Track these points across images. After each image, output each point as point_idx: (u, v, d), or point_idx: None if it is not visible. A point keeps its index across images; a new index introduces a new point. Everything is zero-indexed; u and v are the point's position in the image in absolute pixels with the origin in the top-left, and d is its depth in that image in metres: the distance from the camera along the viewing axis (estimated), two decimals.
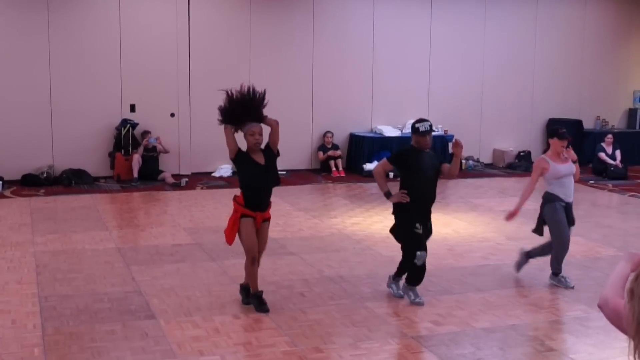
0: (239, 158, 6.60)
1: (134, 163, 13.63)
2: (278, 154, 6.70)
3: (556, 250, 7.58)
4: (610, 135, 15.61)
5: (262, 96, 6.59)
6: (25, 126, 13.52)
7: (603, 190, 13.63)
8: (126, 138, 13.90)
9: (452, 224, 10.44)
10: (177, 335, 6.07)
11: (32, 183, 13.14)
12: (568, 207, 7.55)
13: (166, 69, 14.31)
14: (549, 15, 16.96)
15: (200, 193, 12.98)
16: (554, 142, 7.59)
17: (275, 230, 9.16)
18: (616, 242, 9.54)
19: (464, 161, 15.39)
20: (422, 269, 6.98)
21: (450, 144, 7.41)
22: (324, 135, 15.24)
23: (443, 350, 5.93)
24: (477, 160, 16.27)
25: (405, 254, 7.00)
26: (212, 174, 14.51)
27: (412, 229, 6.86)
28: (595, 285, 7.48)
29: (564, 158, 7.54)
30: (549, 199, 7.52)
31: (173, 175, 13.92)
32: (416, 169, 6.91)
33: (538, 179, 7.56)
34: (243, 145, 6.66)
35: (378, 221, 10.74)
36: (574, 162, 7.66)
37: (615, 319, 2.67)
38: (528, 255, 7.89)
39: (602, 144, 15.45)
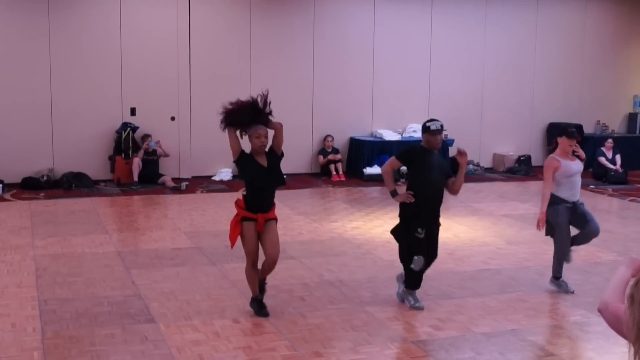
0: (241, 160, 6.57)
1: (134, 166, 13.64)
2: (282, 155, 6.67)
3: (556, 252, 7.57)
4: (610, 140, 15.61)
5: (266, 98, 6.57)
6: (26, 129, 13.52)
7: (603, 194, 13.63)
8: (126, 141, 13.90)
9: (452, 228, 10.44)
10: (176, 339, 6.07)
11: (32, 186, 13.14)
12: (575, 207, 7.45)
13: (167, 72, 14.32)
14: (549, 19, 16.97)
15: (201, 197, 12.98)
16: (562, 140, 7.48)
17: None
18: (616, 247, 9.53)
19: None
20: (420, 272, 6.94)
21: (455, 153, 7.33)
22: (324, 139, 15.24)
23: (443, 355, 5.93)
24: (477, 165, 16.27)
25: (403, 256, 6.98)
26: (212, 178, 14.51)
27: (413, 232, 6.81)
28: (595, 290, 7.47)
29: (572, 157, 7.49)
30: (552, 202, 7.45)
31: (173, 179, 13.91)
32: (424, 169, 6.87)
33: (552, 177, 7.42)
34: (246, 147, 6.62)
35: (378, 225, 10.74)
36: (582, 160, 7.63)
37: (615, 324, 2.67)
38: (557, 278, 7.71)
39: (602, 149, 15.45)
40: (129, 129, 13.93)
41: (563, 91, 17.28)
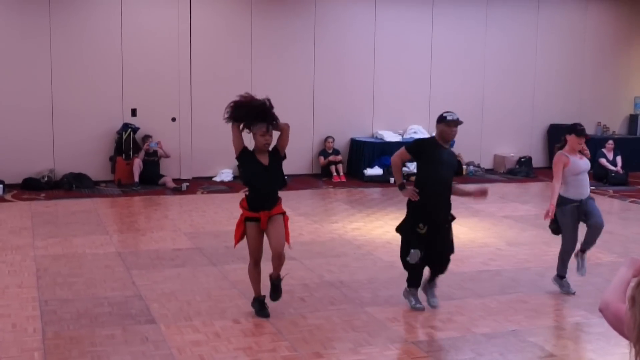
0: (243, 156, 6.54)
1: (135, 167, 13.64)
2: (285, 157, 6.63)
3: (562, 252, 7.54)
4: (611, 141, 15.61)
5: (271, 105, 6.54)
6: (26, 130, 13.53)
7: (604, 196, 13.63)
8: (127, 142, 13.90)
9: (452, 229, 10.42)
10: (177, 340, 6.07)
11: (33, 187, 13.14)
12: (583, 205, 7.39)
13: (167, 73, 14.33)
14: (550, 21, 16.98)
15: (201, 198, 12.98)
16: (571, 138, 7.42)
17: None
18: (617, 248, 9.53)
19: (464, 166, 15.38)
20: (419, 269, 6.89)
21: (477, 191, 7.21)
22: (325, 140, 15.25)
23: (443, 356, 5.93)
24: (478, 166, 16.27)
25: (401, 251, 6.95)
26: (213, 179, 14.51)
27: (414, 227, 6.77)
28: (595, 291, 7.47)
29: (580, 155, 7.47)
30: (560, 203, 7.40)
31: (174, 180, 13.92)
32: (432, 163, 6.77)
33: (562, 172, 7.35)
34: (249, 144, 6.58)
35: (379, 226, 10.75)
36: (587, 158, 7.62)
37: (616, 323, 2.67)
38: (561, 277, 7.67)
39: (603, 150, 15.45)
40: (129, 129, 13.94)
41: (564, 92, 17.28)
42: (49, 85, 13.64)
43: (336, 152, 15.24)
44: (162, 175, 13.92)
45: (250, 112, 6.41)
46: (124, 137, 13.90)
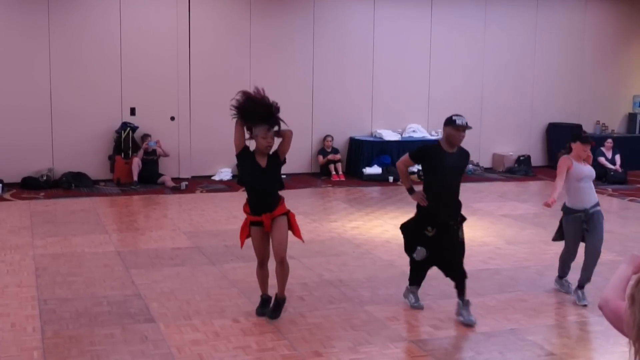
0: (242, 155, 6.47)
1: (134, 166, 13.64)
2: (284, 162, 6.56)
3: (563, 256, 7.51)
4: (610, 140, 15.61)
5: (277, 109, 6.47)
6: (25, 129, 13.52)
7: (603, 194, 13.63)
8: (126, 141, 13.90)
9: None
10: (176, 339, 6.07)
11: (32, 186, 13.14)
12: (587, 215, 7.25)
13: (166, 72, 14.32)
14: (549, 20, 16.98)
15: (200, 197, 12.98)
16: (577, 146, 7.33)
17: None
18: (616, 246, 9.53)
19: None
20: (423, 267, 6.86)
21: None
22: (324, 139, 15.25)
23: (442, 355, 5.93)
24: (477, 165, 16.27)
25: (406, 247, 6.90)
26: (212, 178, 14.51)
27: (422, 230, 6.68)
28: (594, 289, 7.47)
29: (585, 163, 7.42)
30: (565, 212, 7.36)
31: (173, 179, 13.92)
32: (436, 170, 6.66)
33: (566, 173, 7.26)
34: (251, 145, 6.56)
35: (378, 225, 10.75)
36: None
37: (615, 320, 2.68)
38: (581, 287, 7.45)
39: (602, 149, 15.45)
40: (128, 128, 13.94)
41: (563, 91, 17.28)
42: (48, 84, 13.63)
43: (335, 151, 15.24)
44: (161, 174, 13.92)
45: (257, 111, 6.33)
46: (123, 136, 13.89)
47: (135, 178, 13.61)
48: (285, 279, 6.60)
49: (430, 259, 6.77)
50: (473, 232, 10.41)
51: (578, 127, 16.69)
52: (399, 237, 9.90)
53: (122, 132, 13.91)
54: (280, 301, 6.63)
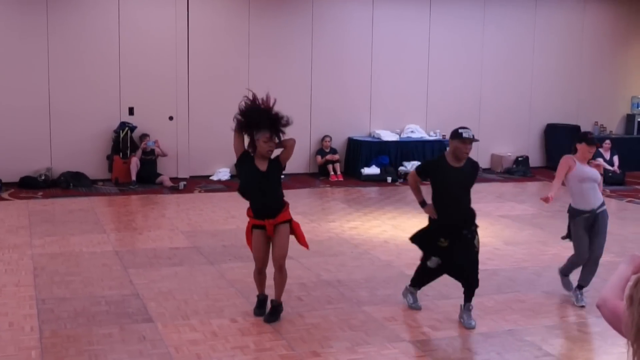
0: (242, 160, 6.46)
1: (132, 166, 13.64)
2: (284, 168, 6.56)
3: (573, 259, 7.39)
4: (608, 141, 15.62)
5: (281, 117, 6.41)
6: (24, 129, 13.51)
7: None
8: (124, 141, 13.90)
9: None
10: (174, 339, 6.07)
11: (30, 185, 13.14)
12: (593, 216, 7.18)
13: (165, 72, 14.32)
14: (547, 20, 16.99)
15: (198, 196, 12.98)
16: (582, 147, 7.18)
17: None
18: (614, 247, 9.52)
19: None
20: (431, 275, 6.77)
21: None
22: (322, 139, 15.25)
23: (440, 355, 5.93)
24: None
25: (423, 256, 6.79)
26: (210, 178, 14.50)
27: (435, 241, 6.54)
28: (592, 290, 7.47)
29: (591, 165, 7.31)
30: (571, 214, 7.28)
31: (171, 179, 13.91)
32: (441, 186, 6.53)
33: (565, 174, 7.19)
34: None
35: (376, 225, 10.75)
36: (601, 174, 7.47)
37: (613, 320, 2.68)
38: (580, 288, 7.45)
39: (600, 150, 15.45)
40: (127, 128, 13.93)
41: (561, 92, 17.29)
42: (47, 84, 13.63)
43: (333, 151, 15.24)
44: (160, 174, 13.92)
45: (261, 117, 6.29)
46: (122, 135, 13.89)
47: (134, 178, 13.61)
48: (283, 285, 6.61)
49: (442, 267, 6.65)
50: None
51: (576, 128, 16.72)
52: (398, 238, 9.97)
53: (121, 131, 13.91)
54: (277, 306, 6.63)
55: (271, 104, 6.40)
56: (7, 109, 13.42)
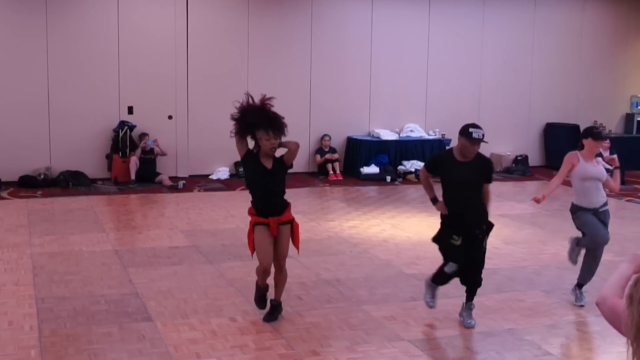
0: (246, 158, 6.43)
1: (132, 165, 13.64)
2: (291, 167, 6.52)
3: (588, 243, 7.18)
4: (607, 140, 15.60)
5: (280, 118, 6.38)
6: (23, 128, 13.51)
7: None
8: (124, 140, 13.90)
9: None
10: (173, 338, 6.07)
11: (30, 184, 13.13)
12: (598, 214, 7.10)
13: (164, 71, 14.31)
14: (546, 19, 16.99)
15: (198, 195, 12.97)
16: (588, 142, 7.05)
17: None
18: (613, 247, 9.48)
19: None
20: (451, 275, 6.58)
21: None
22: (322, 138, 15.25)
23: (440, 354, 5.94)
24: None
25: (444, 258, 6.59)
26: (210, 177, 14.49)
27: (448, 239, 6.41)
28: (592, 289, 7.47)
29: (596, 163, 7.14)
30: (572, 211, 7.18)
31: (170, 178, 13.91)
32: (448, 181, 6.42)
33: (567, 173, 7.10)
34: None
35: (375, 224, 10.75)
36: (615, 168, 7.30)
37: (612, 318, 2.68)
38: (580, 287, 7.35)
39: (600, 149, 15.43)
40: (126, 127, 13.93)
41: (560, 91, 17.29)
42: (46, 82, 13.62)
43: (333, 150, 15.24)
44: (159, 173, 13.92)
45: (259, 116, 6.28)
46: (121, 135, 13.89)
47: (133, 177, 13.61)
48: (283, 284, 6.60)
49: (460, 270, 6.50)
50: None
51: (576, 127, 16.72)
52: (397, 237, 9.97)
53: (120, 130, 13.90)
54: (277, 305, 6.61)
55: (267, 102, 6.37)
56: (7, 108, 13.41)
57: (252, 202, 6.48)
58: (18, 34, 13.40)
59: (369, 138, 15.49)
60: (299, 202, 12.34)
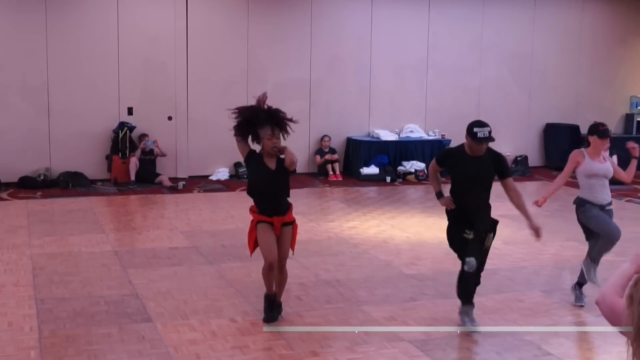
0: (249, 158, 6.40)
1: (131, 166, 13.63)
2: (294, 172, 6.43)
3: (604, 243, 7.07)
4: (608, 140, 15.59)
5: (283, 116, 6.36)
6: (23, 128, 13.50)
7: None
8: (123, 141, 13.89)
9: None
10: (173, 339, 6.07)
11: (29, 185, 13.13)
12: (602, 209, 7.07)
13: (164, 72, 14.31)
14: (546, 20, 16.98)
15: (197, 196, 12.97)
16: (594, 140, 6.99)
17: None
18: (613, 247, 9.53)
19: None
20: (473, 279, 6.38)
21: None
22: (321, 139, 15.24)
23: (439, 355, 5.93)
24: None
25: (460, 259, 6.45)
26: (209, 177, 14.48)
27: (461, 234, 6.30)
28: (591, 289, 7.47)
29: (602, 159, 7.09)
30: (578, 204, 7.08)
31: (170, 179, 13.90)
32: (459, 176, 6.37)
33: (571, 172, 7.05)
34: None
35: (375, 225, 10.75)
36: (634, 158, 7.23)
37: (611, 316, 2.68)
38: (580, 286, 7.26)
39: (605, 147, 15.40)
40: (126, 128, 13.92)
41: (560, 92, 17.28)
42: (45, 83, 13.62)
43: (332, 150, 15.24)
44: (159, 174, 13.91)
45: (258, 114, 6.25)
46: (120, 135, 13.88)
47: (133, 178, 13.60)
48: (283, 285, 6.59)
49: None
50: None
51: (575, 127, 16.73)
52: (396, 237, 9.98)
53: (120, 131, 13.90)
54: (277, 306, 6.60)
55: (262, 100, 6.36)
56: (6, 109, 13.41)
57: (255, 201, 6.43)
58: (18, 34, 13.39)
59: (368, 138, 15.49)
60: (299, 202, 12.34)
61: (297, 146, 14.94)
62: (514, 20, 16.74)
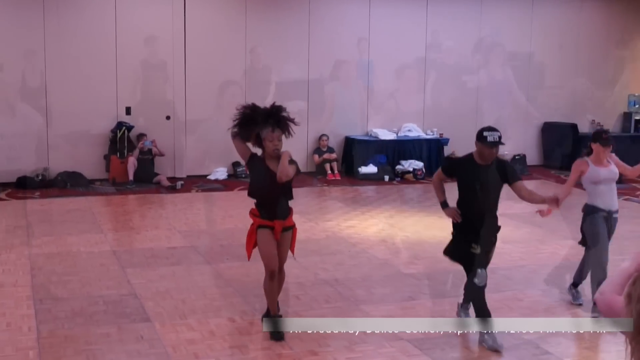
0: (251, 161, 6.24)
1: (130, 166, 13.62)
2: (299, 173, 6.28)
3: (593, 264, 7.02)
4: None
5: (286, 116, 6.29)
6: (21, 128, 13.49)
7: None
8: (122, 141, 13.88)
9: (447, 228, 10.40)
10: (172, 338, 6.06)
11: (28, 185, 13.11)
12: (609, 216, 7.07)
13: (162, 72, 14.30)
14: (544, 19, 16.98)
15: (196, 196, 12.97)
16: (596, 147, 6.94)
17: None
18: (611, 246, 9.51)
19: None
20: (482, 291, 6.20)
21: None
22: (320, 138, 15.24)
23: (438, 354, 5.93)
24: None
25: (467, 274, 6.33)
26: (208, 177, 14.47)
27: (467, 249, 6.17)
28: (589, 289, 7.47)
29: (606, 163, 7.05)
30: (587, 212, 7.04)
31: (168, 178, 13.89)
32: (467, 184, 6.21)
33: (576, 181, 7.02)
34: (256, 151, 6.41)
35: (373, 224, 10.75)
36: None
37: (609, 313, 2.69)
38: (575, 286, 7.30)
39: (607, 154, 15.38)
40: (124, 128, 13.92)
41: (558, 90, 17.29)
42: (43, 83, 13.61)
43: (331, 150, 15.24)
44: (157, 174, 13.90)
45: (257, 114, 6.20)
46: (119, 135, 13.88)
47: (131, 177, 13.59)
48: (281, 285, 6.49)
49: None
50: None
51: (573, 126, 16.73)
52: (395, 236, 9.98)
53: (118, 131, 13.89)
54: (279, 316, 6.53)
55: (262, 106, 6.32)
56: (4, 109, 13.40)
57: (255, 204, 6.26)
58: (16, 34, 13.37)
59: (366, 138, 15.49)
60: (297, 202, 12.28)
61: (296, 145, 14.90)
62: (512, 20, 16.74)
